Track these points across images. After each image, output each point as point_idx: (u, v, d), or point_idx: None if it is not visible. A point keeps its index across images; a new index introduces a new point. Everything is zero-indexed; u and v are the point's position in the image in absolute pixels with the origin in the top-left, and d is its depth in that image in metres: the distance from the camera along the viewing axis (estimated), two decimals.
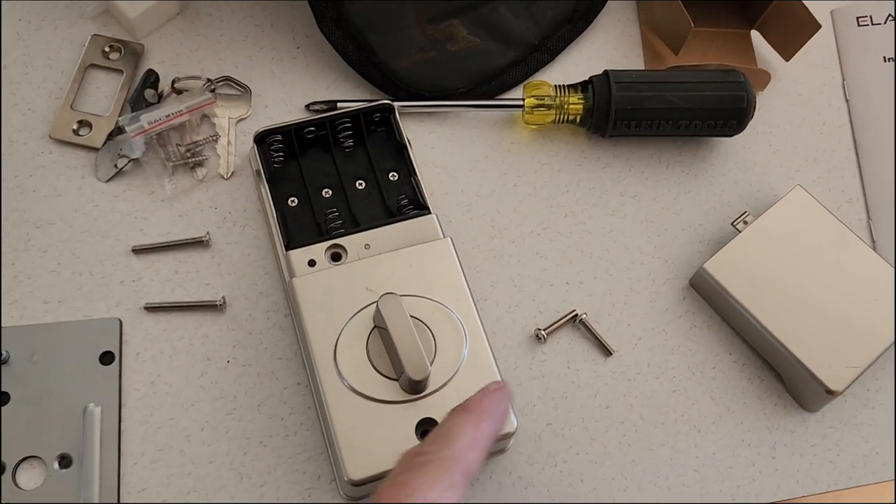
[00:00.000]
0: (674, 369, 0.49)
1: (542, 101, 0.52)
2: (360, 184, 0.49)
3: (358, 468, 0.39)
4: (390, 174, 0.50)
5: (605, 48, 0.57)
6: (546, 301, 0.50)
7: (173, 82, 0.51)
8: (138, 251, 0.48)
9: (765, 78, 0.56)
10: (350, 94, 0.54)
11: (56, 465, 0.43)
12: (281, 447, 0.45)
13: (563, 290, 0.50)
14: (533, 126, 0.53)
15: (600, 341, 0.49)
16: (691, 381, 0.49)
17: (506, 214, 0.52)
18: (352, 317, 0.43)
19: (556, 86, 0.52)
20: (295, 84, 0.54)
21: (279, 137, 0.48)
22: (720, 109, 0.51)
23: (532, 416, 0.47)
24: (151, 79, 0.51)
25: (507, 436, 0.41)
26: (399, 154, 0.50)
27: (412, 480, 0.31)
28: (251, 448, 0.45)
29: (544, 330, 0.48)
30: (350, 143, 0.50)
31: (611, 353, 0.49)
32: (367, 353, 0.42)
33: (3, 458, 0.43)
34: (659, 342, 0.49)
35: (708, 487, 0.46)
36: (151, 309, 0.47)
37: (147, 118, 0.49)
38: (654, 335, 0.50)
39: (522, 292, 0.50)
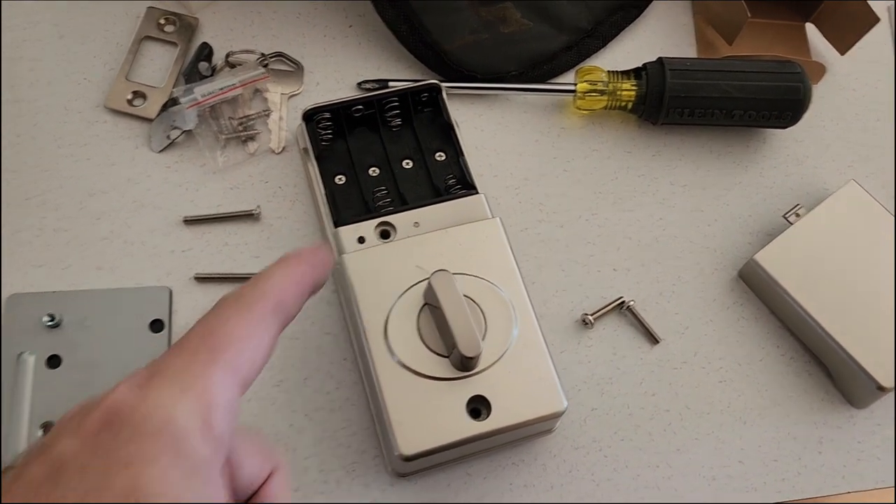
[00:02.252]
0: (720, 360, 0.48)
1: (595, 87, 0.51)
2: (407, 163, 0.49)
3: (409, 443, 0.39)
4: (437, 154, 0.50)
5: (657, 37, 0.57)
6: (593, 287, 0.49)
7: (227, 56, 0.52)
8: (189, 222, 0.48)
9: (819, 71, 0.55)
10: (401, 74, 0.54)
11: None
12: (326, 421, 0.45)
13: (611, 277, 0.50)
14: (584, 111, 0.53)
15: (647, 329, 0.48)
16: (738, 372, 0.48)
17: (554, 199, 0.51)
18: (402, 294, 0.43)
19: (609, 71, 0.52)
20: (347, 62, 0.54)
21: (327, 115, 0.49)
22: (775, 100, 0.50)
23: (577, 401, 0.47)
24: (205, 52, 0.52)
25: (556, 415, 0.41)
26: (446, 134, 0.49)
27: (221, 312, 0.29)
28: (297, 420, 0.45)
29: (591, 315, 0.48)
30: (398, 122, 0.50)
31: (657, 341, 0.48)
32: (418, 329, 0.42)
33: (54, 420, 0.44)
34: (706, 332, 0.49)
35: (752, 480, 0.46)
36: (201, 279, 0.47)
37: (201, 90, 0.49)
38: (702, 325, 0.49)
39: (570, 277, 0.50)
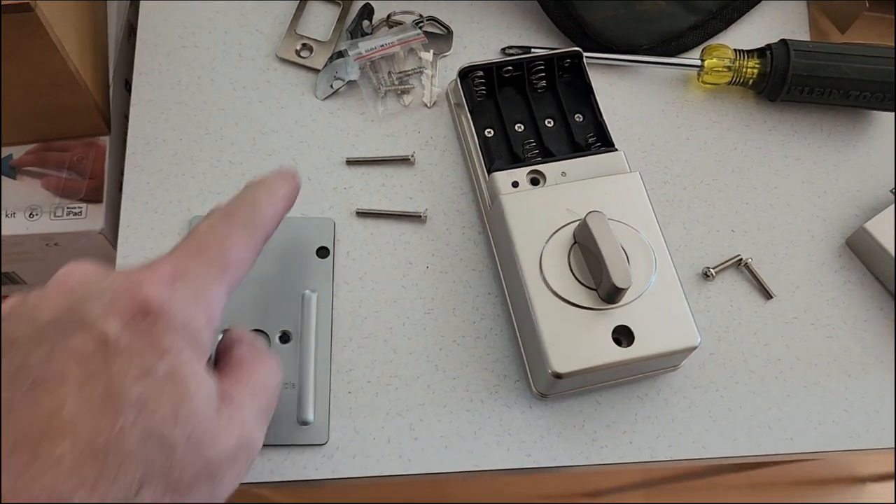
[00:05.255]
0: (828, 318, 0.53)
1: (722, 63, 0.56)
2: (549, 122, 0.54)
3: (561, 362, 0.44)
4: (576, 115, 0.54)
5: (774, 23, 0.61)
6: (712, 245, 0.54)
7: (389, 16, 0.57)
8: (351, 163, 0.53)
9: None
10: (541, 42, 0.58)
11: (278, 340, 0.49)
12: (472, 347, 0.50)
13: (729, 237, 0.54)
14: (707, 86, 0.58)
15: (762, 285, 0.53)
16: (844, 330, 0.52)
17: (678, 164, 0.56)
18: (554, 232, 0.47)
19: (735, 50, 0.56)
20: (491, 29, 0.59)
21: (480, 74, 0.54)
22: (892, 83, 0.55)
23: None
24: (367, 12, 0.57)
25: (690, 349, 0.46)
26: (584, 98, 0.54)
27: (232, 233, 0.36)
28: (445, 345, 0.50)
29: (713, 269, 0.52)
30: (542, 84, 0.55)
31: (771, 297, 0.53)
32: (569, 264, 0.47)
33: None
34: (815, 292, 0.53)
35: (856, 427, 0.50)
36: (362, 214, 0.52)
37: (365, 46, 0.54)
38: (811, 286, 0.53)
39: (691, 234, 0.54)
